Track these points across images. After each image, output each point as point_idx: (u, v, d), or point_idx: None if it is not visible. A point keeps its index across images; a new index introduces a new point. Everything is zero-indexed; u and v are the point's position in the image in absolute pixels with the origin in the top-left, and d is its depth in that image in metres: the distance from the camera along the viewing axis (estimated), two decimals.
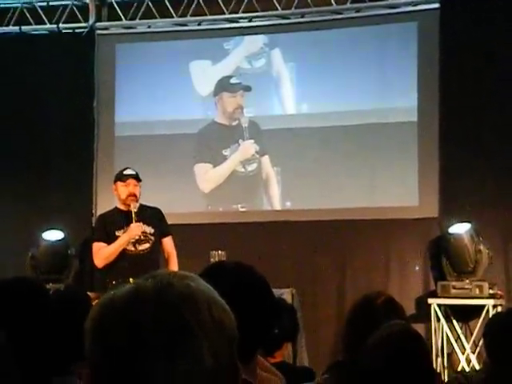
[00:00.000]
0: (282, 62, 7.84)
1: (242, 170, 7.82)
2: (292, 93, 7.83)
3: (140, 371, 1.02)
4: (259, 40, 7.92)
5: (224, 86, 7.90)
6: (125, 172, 6.10)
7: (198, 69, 8.01)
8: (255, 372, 1.89)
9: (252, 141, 7.79)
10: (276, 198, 7.74)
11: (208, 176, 7.87)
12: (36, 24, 8.23)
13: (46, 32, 8.25)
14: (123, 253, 5.94)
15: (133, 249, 5.96)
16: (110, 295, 1.07)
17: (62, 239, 7.45)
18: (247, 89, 7.79)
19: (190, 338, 1.03)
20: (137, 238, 5.97)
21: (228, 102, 7.89)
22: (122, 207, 6.08)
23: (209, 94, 7.95)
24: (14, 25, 8.25)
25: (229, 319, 1.08)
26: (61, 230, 7.46)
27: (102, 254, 5.96)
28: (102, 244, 6.00)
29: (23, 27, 8.22)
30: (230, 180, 7.80)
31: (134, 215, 5.94)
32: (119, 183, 6.07)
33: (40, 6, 8.20)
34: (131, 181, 6.03)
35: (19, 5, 8.24)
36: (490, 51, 7.11)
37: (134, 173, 6.09)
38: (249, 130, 7.79)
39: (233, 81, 7.87)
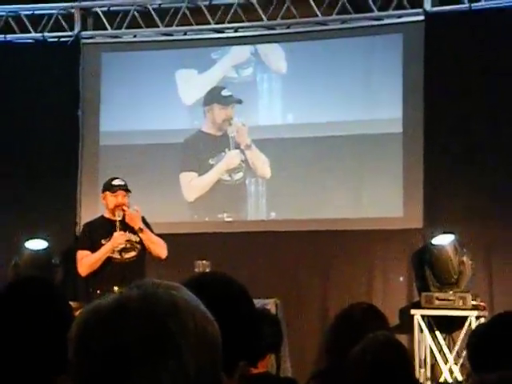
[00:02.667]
0: (268, 73, 7.86)
1: (228, 178, 7.82)
2: (278, 103, 7.84)
3: (124, 382, 1.01)
4: (246, 50, 7.94)
5: (216, 97, 7.91)
6: (114, 182, 6.09)
7: (184, 78, 8.01)
8: None
9: (237, 150, 7.80)
10: (261, 208, 7.75)
11: (192, 184, 7.87)
12: (21, 33, 8.20)
13: (31, 41, 8.24)
14: (109, 261, 5.93)
15: (118, 257, 5.96)
16: (94, 304, 1.07)
17: (46, 248, 7.41)
18: (238, 102, 7.81)
19: (174, 349, 1.03)
20: (122, 246, 5.96)
21: (218, 114, 7.90)
22: (109, 216, 6.07)
23: (194, 104, 7.96)
24: None
25: (213, 329, 1.08)
26: (44, 238, 7.42)
27: (86, 262, 5.95)
28: (85, 252, 5.99)
29: (8, 36, 8.20)
30: (215, 189, 7.81)
31: (118, 224, 5.94)
32: (108, 193, 6.07)
33: (25, 15, 8.18)
34: (120, 192, 6.03)
35: (4, 13, 8.22)
36: (475, 63, 7.16)
37: (123, 183, 6.09)
38: (235, 139, 7.81)
39: (224, 93, 7.88)
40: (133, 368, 1.01)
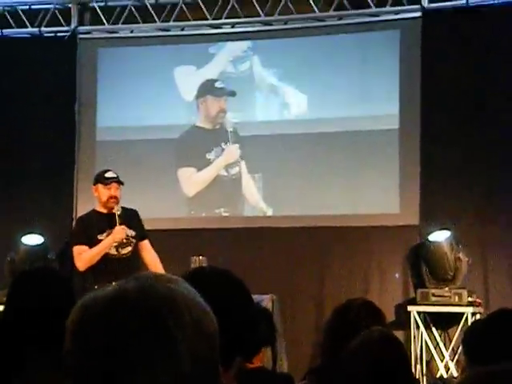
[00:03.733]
0: (266, 68, 7.85)
1: (225, 173, 7.81)
2: (274, 99, 7.84)
3: (118, 374, 1.01)
4: (244, 44, 7.93)
5: (209, 89, 7.89)
6: (106, 175, 6.04)
7: (182, 74, 7.99)
8: (234, 379, 1.88)
9: (237, 145, 7.79)
10: (258, 204, 7.74)
11: (192, 180, 7.84)
12: (18, 27, 8.19)
13: (28, 35, 8.22)
14: (105, 257, 5.88)
15: (115, 253, 5.91)
16: (92, 295, 1.07)
17: (42, 243, 7.41)
18: (232, 94, 7.79)
19: (169, 342, 1.03)
20: (119, 241, 5.93)
21: (212, 106, 7.89)
22: (102, 209, 6.02)
23: (193, 100, 7.94)
24: None
25: (210, 323, 1.07)
26: (40, 234, 7.41)
27: (85, 257, 5.89)
28: (83, 247, 5.93)
29: (4, 30, 8.18)
30: (213, 184, 7.79)
31: (117, 218, 5.89)
32: (100, 185, 6.01)
33: (22, 10, 8.16)
34: (114, 184, 5.98)
35: (0, 7, 8.20)
36: (472, 59, 7.16)
37: (115, 176, 6.04)
38: (233, 134, 7.79)
39: (218, 85, 7.87)
40: (127, 359, 1.01)
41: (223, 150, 7.81)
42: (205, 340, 1.06)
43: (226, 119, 7.83)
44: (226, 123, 7.82)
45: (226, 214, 7.75)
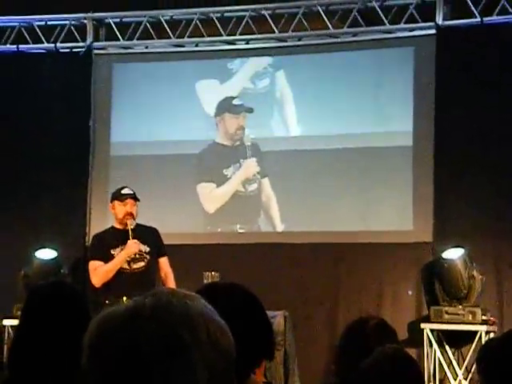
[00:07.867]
0: (281, 84, 7.86)
1: (242, 189, 7.81)
2: (290, 115, 7.83)
3: None
4: (263, 60, 7.95)
5: (227, 106, 7.90)
6: (123, 191, 6.08)
7: (204, 88, 7.98)
8: None
9: (254, 159, 7.78)
10: (272, 220, 7.74)
11: (213, 195, 7.83)
12: (34, 43, 8.24)
13: (44, 51, 8.27)
14: (117, 271, 5.91)
15: (127, 267, 5.93)
16: (108, 312, 1.07)
17: (55, 258, 7.43)
18: (250, 110, 7.79)
19: (185, 359, 1.03)
20: (132, 256, 5.95)
21: (230, 123, 7.90)
22: (119, 226, 6.06)
23: (213, 115, 7.94)
24: (11, 44, 8.26)
25: (227, 341, 1.07)
26: (54, 248, 7.43)
27: (100, 272, 5.92)
28: (98, 262, 5.96)
29: (21, 46, 8.23)
30: (231, 200, 7.78)
31: (130, 232, 5.92)
32: (117, 202, 6.05)
33: (38, 26, 8.22)
34: (129, 201, 6.01)
35: (17, 24, 8.26)
36: (486, 77, 7.15)
37: (132, 192, 6.08)
38: (251, 149, 7.79)
39: (236, 102, 7.88)
40: (144, 377, 1.01)
41: (241, 166, 7.81)
42: (222, 357, 1.05)
43: (245, 136, 7.83)
44: (246, 140, 7.82)
45: (242, 231, 7.73)
